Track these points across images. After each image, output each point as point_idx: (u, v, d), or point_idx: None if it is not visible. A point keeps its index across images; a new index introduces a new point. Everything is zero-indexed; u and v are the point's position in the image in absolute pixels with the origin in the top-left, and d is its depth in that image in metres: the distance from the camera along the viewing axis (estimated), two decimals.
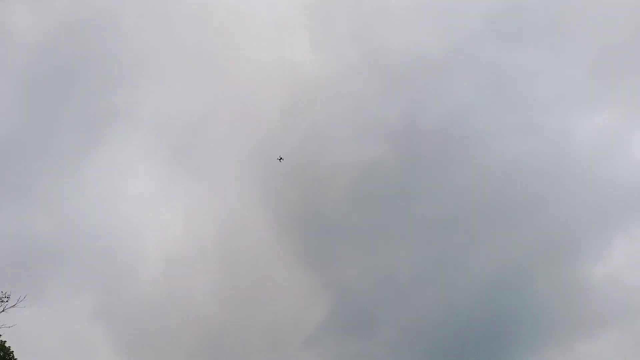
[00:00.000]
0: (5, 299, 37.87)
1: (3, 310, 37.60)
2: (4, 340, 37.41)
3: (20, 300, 38.12)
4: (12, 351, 38.26)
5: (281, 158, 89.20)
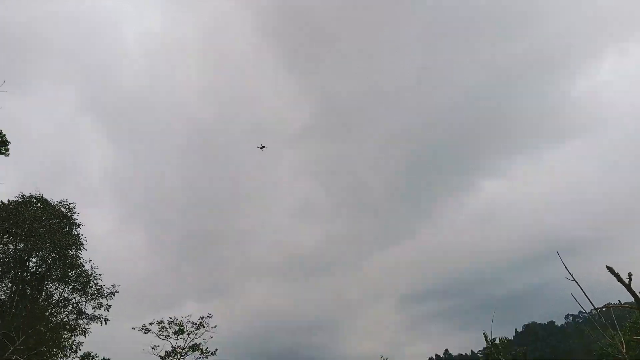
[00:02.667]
0: None
1: None
2: None
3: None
4: (5, 134, 39.39)
5: (263, 146, 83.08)
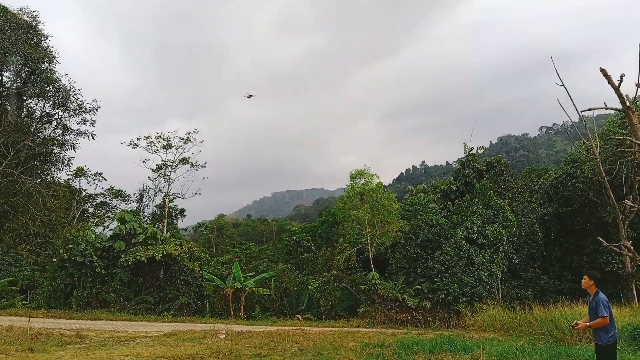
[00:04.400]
0: None
1: None
2: None
3: None
4: None
5: (251, 95, 71.00)
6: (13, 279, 28.41)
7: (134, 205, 51.11)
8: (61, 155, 40.76)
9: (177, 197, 48.34)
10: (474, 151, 31.43)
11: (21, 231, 35.76)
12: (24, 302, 26.35)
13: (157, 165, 46.94)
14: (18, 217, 35.80)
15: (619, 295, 25.85)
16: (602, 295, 7.71)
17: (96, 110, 40.51)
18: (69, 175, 47.84)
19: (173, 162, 46.68)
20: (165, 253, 25.40)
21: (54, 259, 26.00)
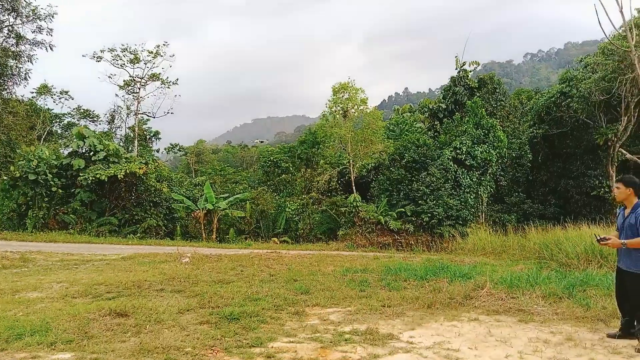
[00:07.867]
0: None
1: None
2: None
3: None
4: None
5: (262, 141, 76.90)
6: None
7: (104, 127, 48.12)
8: (18, 68, 37.15)
9: (148, 116, 45.45)
10: (466, 66, 29.09)
11: None
12: None
13: (124, 81, 43.52)
14: None
15: (604, 219, 25.02)
16: None
17: (52, 17, 36.45)
18: (32, 93, 44.33)
19: (142, 78, 43.28)
20: (128, 172, 23.30)
21: (4, 177, 23.73)
